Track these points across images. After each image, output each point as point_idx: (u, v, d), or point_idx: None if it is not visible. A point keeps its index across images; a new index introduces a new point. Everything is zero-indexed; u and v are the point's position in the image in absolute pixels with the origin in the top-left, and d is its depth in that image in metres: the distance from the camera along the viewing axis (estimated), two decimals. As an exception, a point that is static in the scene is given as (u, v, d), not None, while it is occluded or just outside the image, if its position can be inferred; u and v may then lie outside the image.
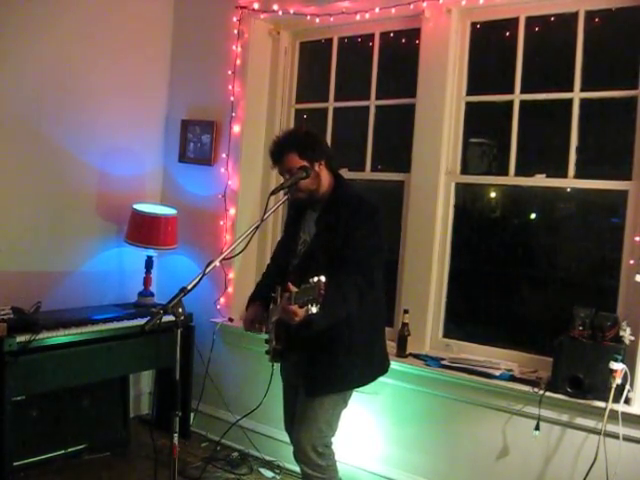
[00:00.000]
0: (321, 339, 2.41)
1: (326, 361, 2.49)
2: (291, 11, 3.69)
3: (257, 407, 3.06)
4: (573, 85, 3.05)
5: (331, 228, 2.48)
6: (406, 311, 3.29)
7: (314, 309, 2.08)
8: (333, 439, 2.62)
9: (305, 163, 2.48)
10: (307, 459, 2.53)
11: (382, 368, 2.72)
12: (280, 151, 2.52)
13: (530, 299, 3.34)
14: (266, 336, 2.68)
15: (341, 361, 2.49)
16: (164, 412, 3.80)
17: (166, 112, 4.31)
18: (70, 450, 3.54)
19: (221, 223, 3.97)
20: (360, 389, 2.66)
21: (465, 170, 3.39)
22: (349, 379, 2.56)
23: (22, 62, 3.50)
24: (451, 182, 3.36)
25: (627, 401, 2.65)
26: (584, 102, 3.04)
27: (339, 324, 2.39)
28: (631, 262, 2.81)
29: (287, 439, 2.81)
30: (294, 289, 2.17)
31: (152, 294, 3.99)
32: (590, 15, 3.02)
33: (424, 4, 3.27)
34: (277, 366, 2.73)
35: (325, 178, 2.56)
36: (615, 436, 2.62)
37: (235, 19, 3.90)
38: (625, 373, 2.60)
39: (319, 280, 2.06)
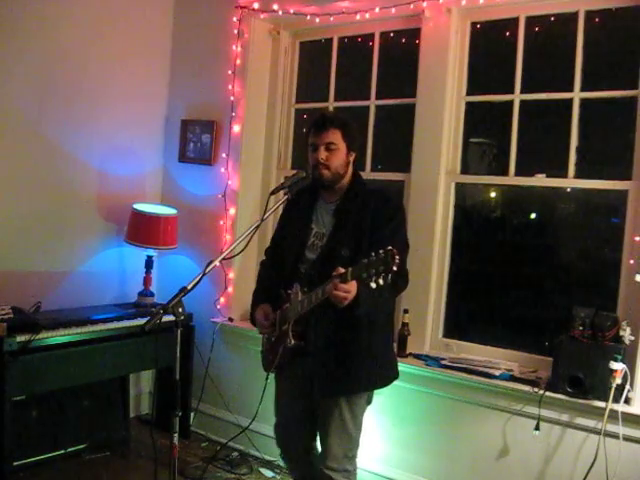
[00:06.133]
0: (342, 338, 2.39)
1: (348, 361, 2.42)
2: (291, 11, 3.69)
3: (257, 411, 3.02)
4: (573, 85, 3.05)
5: (356, 219, 2.43)
6: (406, 311, 3.29)
7: (380, 281, 1.98)
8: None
9: (344, 144, 2.46)
10: (339, 465, 2.48)
11: (396, 370, 2.66)
12: (330, 122, 2.46)
13: (530, 299, 3.33)
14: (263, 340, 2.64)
15: (363, 361, 2.44)
16: (164, 412, 3.76)
17: (166, 112, 4.31)
18: (70, 450, 3.54)
19: (221, 223, 3.97)
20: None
21: (465, 170, 3.39)
22: (373, 380, 2.51)
23: (23, 63, 3.50)
24: (451, 182, 3.36)
25: (627, 401, 2.66)
26: (584, 102, 3.04)
27: (360, 324, 2.38)
28: (631, 262, 2.81)
29: (287, 439, 2.76)
30: (341, 270, 2.11)
31: (152, 294, 3.98)
32: (590, 15, 3.02)
33: (424, 4, 3.27)
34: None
35: (350, 170, 2.57)
36: (615, 436, 2.62)
37: (235, 19, 3.90)
38: (625, 373, 2.60)
39: (391, 250, 1.96)
